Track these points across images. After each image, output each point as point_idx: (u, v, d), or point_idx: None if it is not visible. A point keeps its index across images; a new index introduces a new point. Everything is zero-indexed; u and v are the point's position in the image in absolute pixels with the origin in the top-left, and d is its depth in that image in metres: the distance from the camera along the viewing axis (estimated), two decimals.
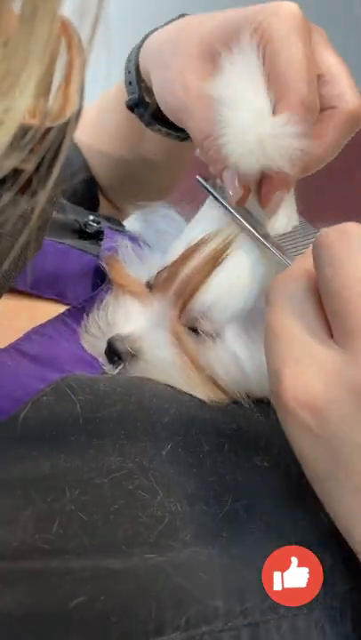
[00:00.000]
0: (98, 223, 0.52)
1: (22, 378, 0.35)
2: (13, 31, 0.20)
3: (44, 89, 0.23)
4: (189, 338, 0.40)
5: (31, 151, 0.23)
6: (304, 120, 0.37)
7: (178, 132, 0.50)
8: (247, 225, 0.39)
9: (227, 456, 0.35)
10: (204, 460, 0.34)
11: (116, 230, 0.52)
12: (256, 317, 0.40)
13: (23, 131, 0.22)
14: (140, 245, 0.48)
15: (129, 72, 0.49)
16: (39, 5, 0.20)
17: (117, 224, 0.57)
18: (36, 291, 0.44)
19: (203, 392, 0.38)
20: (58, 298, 0.45)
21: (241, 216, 0.39)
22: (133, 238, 0.49)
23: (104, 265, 0.45)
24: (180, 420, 0.35)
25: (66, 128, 0.25)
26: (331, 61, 0.40)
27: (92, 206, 0.63)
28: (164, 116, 0.46)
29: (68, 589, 0.26)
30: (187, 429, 0.35)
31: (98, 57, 0.23)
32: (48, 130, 0.23)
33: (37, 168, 0.24)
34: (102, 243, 0.48)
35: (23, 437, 0.32)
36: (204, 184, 0.42)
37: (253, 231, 0.39)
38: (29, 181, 0.24)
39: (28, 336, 0.39)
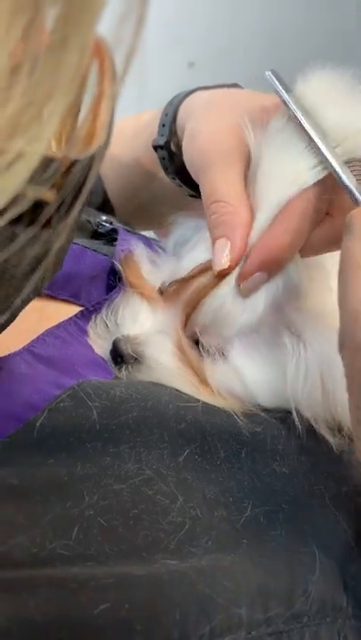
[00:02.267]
0: (110, 224, 0.52)
1: (38, 383, 0.35)
2: (40, 59, 0.19)
3: (70, 119, 0.22)
4: (193, 351, 0.40)
5: (53, 185, 0.22)
6: None
7: (190, 188, 0.50)
8: (318, 140, 0.36)
9: (244, 462, 0.35)
10: (221, 466, 0.34)
11: (130, 232, 0.51)
12: (265, 332, 0.40)
13: (45, 163, 0.21)
14: (154, 249, 0.48)
15: (166, 115, 0.49)
16: (70, 34, 0.19)
17: (130, 227, 0.57)
18: (49, 291, 0.44)
19: (210, 401, 0.38)
20: (71, 299, 0.45)
21: (312, 129, 0.36)
22: (148, 242, 0.49)
23: (119, 265, 0.45)
24: (195, 426, 0.35)
25: (91, 162, 0.24)
26: None
27: None
28: (182, 169, 0.46)
29: (91, 596, 0.26)
30: (203, 436, 0.35)
31: (129, 89, 0.22)
32: (73, 163, 0.22)
33: (59, 204, 0.23)
34: (117, 243, 0.48)
35: (39, 444, 0.32)
36: (274, 80, 0.38)
37: (324, 149, 0.36)
38: (49, 218, 0.23)
39: (42, 338, 0.39)
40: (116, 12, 0.20)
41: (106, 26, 0.20)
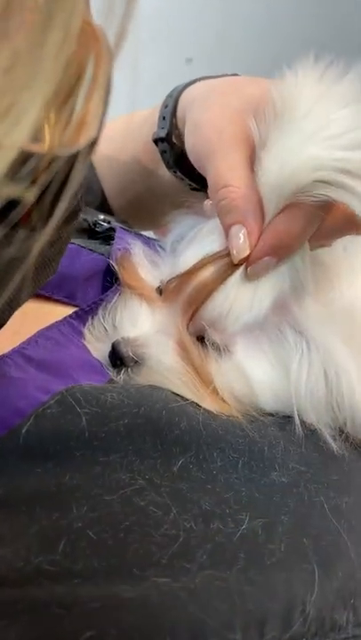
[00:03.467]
0: (108, 222, 0.51)
1: (26, 388, 0.34)
2: (19, 40, 0.17)
3: (56, 109, 0.20)
4: (196, 349, 0.39)
5: (33, 182, 0.20)
6: None
7: (192, 181, 0.49)
8: None
9: (241, 472, 0.34)
10: (218, 476, 0.33)
11: (128, 230, 0.50)
12: (270, 329, 0.39)
13: (24, 158, 0.19)
14: (153, 248, 0.47)
15: (166, 107, 0.49)
16: (54, 13, 0.17)
17: (128, 226, 0.56)
18: (44, 291, 0.43)
19: (209, 405, 0.37)
20: (67, 299, 0.44)
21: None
22: (146, 240, 0.48)
23: (115, 265, 0.44)
24: (190, 433, 0.34)
25: (75, 158, 0.22)
26: None
27: None
28: (183, 161, 0.45)
29: (76, 622, 0.25)
30: (198, 444, 0.34)
31: (124, 85, 0.21)
32: (54, 159, 0.20)
33: (38, 201, 0.21)
34: (114, 242, 0.47)
35: (25, 452, 0.30)
36: None
37: None
38: (29, 216, 0.21)
39: (33, 339, 0.38)
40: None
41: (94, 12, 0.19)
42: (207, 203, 0.42)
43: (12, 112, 0.18)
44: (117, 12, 0.19)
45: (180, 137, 0.46)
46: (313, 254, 0.39)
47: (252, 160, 0.38)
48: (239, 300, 0.38)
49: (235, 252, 0.37)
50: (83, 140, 0.22)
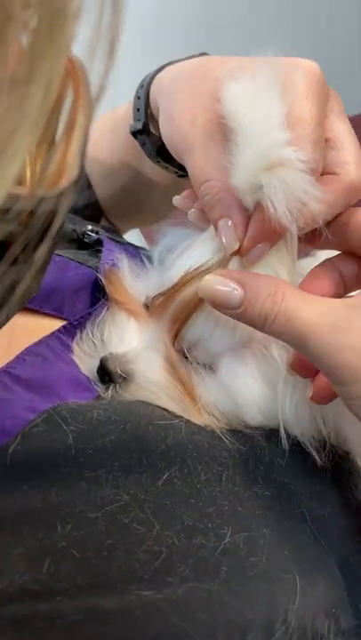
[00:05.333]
0: (96, 233, 0.51)
1: (13, 408, 0.34)
2: (4, 92, 0.18)
3: (39, 154, 0.21)
4: (183, 365, 0.39)
5: (19, 224, 0.20)
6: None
7: (176, 167, 0.49)
8: None
9: (225, 485, 0.34)
10: (202, 490, 0.33)
11: (116, 241, 0.50)
12: (255, 345, 0.39)
13: (11, 201, 0.20)
14: (141, 260, 0.47)
15: (138, 98, 0.48)
16: (36, 67, 0.18)
17: (117, 235, 0.56)
18: (32, 305, 0.43)
19: (197, 419, 0.38)
20: (55, 312, 0.44)
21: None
22: (133, 252, 0.48)
23: (103, 280, 0.44)
24: (175, 448, 0.34)
25: (60, 198, 0.22)
26: (341, 128, 0.38)
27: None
28: (165, 150, 0.45)
29: (58, 635, 0.26)
30: (183, 459, 0.34)
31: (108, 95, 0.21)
32: (39, 201, 0.21)
33: (25, 243, 0.22)
34: (101, 255, 0.47)
35: (13, 470, 0.31)
36: None
37: None
38: (15, 257, 0.22)
39: (21, 357, 0.38)
40: (86, 42, 0.19)
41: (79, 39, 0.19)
42: (191, 212, 0.42)
43: (0, 159, 0.18)
44: (98, 65, 0.19)
45: (158, 127, 0.45)
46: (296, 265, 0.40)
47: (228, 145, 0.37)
48: (222, 322, 0.38)
49: (226, 246, 0.37)
50: (65, 180, 0.22)
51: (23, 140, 0.18)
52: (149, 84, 0.47)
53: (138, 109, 0.48)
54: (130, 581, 0.29)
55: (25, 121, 0.18)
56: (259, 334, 0.38)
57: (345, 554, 0.35)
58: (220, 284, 0.34)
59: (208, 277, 0.35)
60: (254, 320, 0.33)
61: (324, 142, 0.37)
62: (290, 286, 0.34)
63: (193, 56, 0.46)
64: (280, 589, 0.31)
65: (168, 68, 0.46)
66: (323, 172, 0.37)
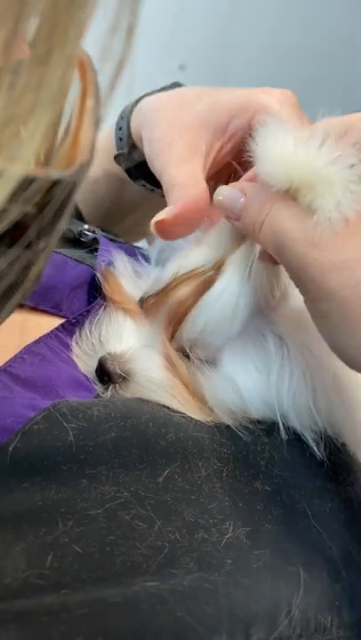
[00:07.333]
0: (92, 232, 0.51)
1: (12, 406, 0.34)
2: (22, 72, 0.18)
3: (52, 135, 0.21)
4: (182, 363, 0.39)
5: (34, 205, 0.20)
6: None
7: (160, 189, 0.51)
8: None
9: (226, 481, 0.34)
10: (202, 486, 0.33)
11: (112, 240, 0.50)
12: (253, 335, 0.39)
13: (27, 182, 0.20)
14: (138, 258, 0.47)
15: (120, 129, 0.51)
16: (55, 46, 0.18)
17: (113, 234, 0.56)
18: (30, 302, 0.43)
19: (198, 415, 0.38)
20: (53, 310, 0.44)
21: None
22: (130, 251, 0.48)
23: (100, 278, 0.44)
24: (176, 445, 0.34)
25: (74, 181, 0.22)
26: None
27: None
28: (149, 175, 0.48)
29: (63, 629, 0.25)
30: (183, 455, 0.34)
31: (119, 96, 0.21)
32: (54, 182, 0.21)
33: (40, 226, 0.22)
34: (98, 254, 0.47)
35: (13, 468, 0.31)
36: None
37: None
38: (21, 234, 0.21)
39: (20, 356, 0.38)
40: (105, 25, 0.19)
41: (94, 39, 0.19)
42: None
43: (15, 141, 0.18)
44: (117, 44, 0.19)
45: (141, 154, 0.49)
46: None
47: (205, 168, 0.43)
48: (218, 315, 0.38)
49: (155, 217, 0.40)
50: (77, 163, 0.22)
51: (41, 120, 0.18)
52: (129, 115, 0.50)
53: (121, 139, 0.51)
54: (134, 574, 0.29)
55: (43, 100, 0.18)
56: (254, 321, 0.38)
57: (347, 547, 0.35)
58: (229, 192, 0.37)
59: (222, 187, 0.37)
60: (248, 228, 0.35)
61: None
62: (283, 199, 0.34)
63: (165, 88, 0.51)
64: (284, 582, 0.31)
65: (146, 102, 0.49)
66: None
